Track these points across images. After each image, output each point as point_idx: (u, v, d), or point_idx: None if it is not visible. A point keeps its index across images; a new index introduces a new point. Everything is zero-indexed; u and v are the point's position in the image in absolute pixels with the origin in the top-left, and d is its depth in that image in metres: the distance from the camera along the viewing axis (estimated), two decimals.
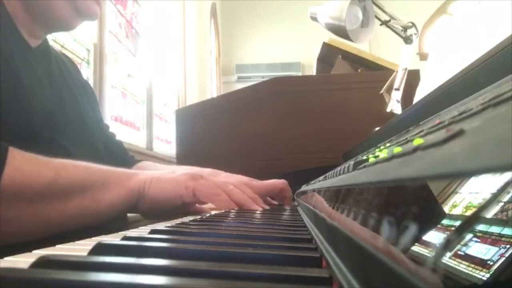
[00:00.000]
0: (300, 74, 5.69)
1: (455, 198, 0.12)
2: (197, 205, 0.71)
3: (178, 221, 0.49)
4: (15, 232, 0.47)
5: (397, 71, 1.07)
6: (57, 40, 1.88)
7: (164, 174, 0.63)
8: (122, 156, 0.87)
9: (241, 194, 0.65)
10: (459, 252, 0.10)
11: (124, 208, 0.58)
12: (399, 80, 1.04)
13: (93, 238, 0.31)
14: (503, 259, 0.09)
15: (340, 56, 1.67)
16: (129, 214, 0.75)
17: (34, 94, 0.61)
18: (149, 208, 0.59)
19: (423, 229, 0.12)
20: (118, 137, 0.91)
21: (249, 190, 0.69)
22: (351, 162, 0.33)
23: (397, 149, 0.21)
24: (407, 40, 1.06)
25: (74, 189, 0.51)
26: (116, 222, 0.63)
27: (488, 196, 0.10)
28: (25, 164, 0.47)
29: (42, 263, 0.20)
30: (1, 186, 0.43)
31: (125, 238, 0.30)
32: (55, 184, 0.49)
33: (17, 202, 0.46)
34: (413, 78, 1.15)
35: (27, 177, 0.47)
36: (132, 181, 0.58)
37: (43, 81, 0.65)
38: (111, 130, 0.89)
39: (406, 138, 0.29)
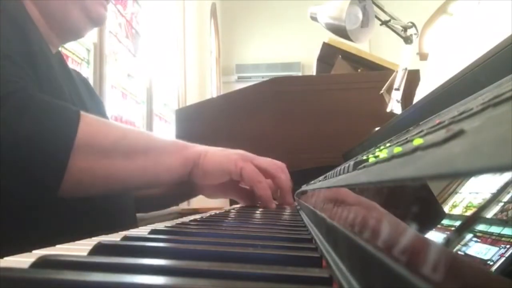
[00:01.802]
0: (300, 74, 5.68)
1: (455, 198, 0.12)
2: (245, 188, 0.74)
3: (178, 221, 0.49)
4: (86, 183, 0.51)
5: (397, 71, 1.07)
6: None
7: (218, 150, 0.67)
8: None
9: (288, 187, 0.71)
10: (459, 252, 0.10)
11: (180, 174, 0.61)
12: (399, 80, 1.04)
13: (93, 238, 0.31)
14: (503, 259, 0.09)
15: (340, 56, 1.67)
16: (137, 214, 0.76)
17: (64, 100, 0.63)
18: (200, 178, 0.63)
19: (423, 229, 0.12)
20: None
21: (289, 182, 0.73)
22: (351, 162, 0.33)
23: (397, 149, 0.21)
24: (407, 40, 1.06)
25: (138, 149, 0.56)
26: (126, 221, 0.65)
27: (488, 196, 0.10)
28: (96, 122, 0.53)
29: (42, 263, 0.20)
30: (76, 137, 0.48)
31: (125, 238, 0.30)
32: (122, 142, 0.54)
33: (89, 154, 0.50)
34: (413, 78, 1.15)
35: (98, 132, 0.52)
36: (189, 151, 0.63)
37: (64, 87, 0.67)
38: None
39: (406, 138, 0.29)
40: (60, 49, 0.77)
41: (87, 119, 0.51)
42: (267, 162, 0.70)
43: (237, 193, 0.74)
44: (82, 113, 0.51)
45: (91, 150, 0.51)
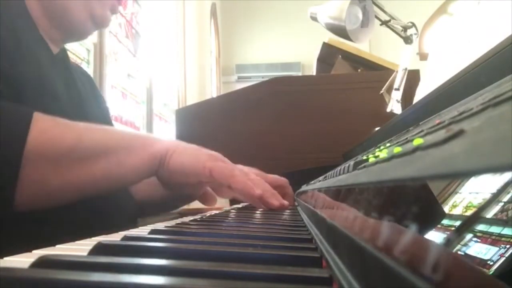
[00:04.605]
0: (300, 74, 5.68)
1: (455, 198, 0.12)
2: (208, 189, 0.69)
3: (178, 221, 0.49)
4: (42, 196, 0.48)
5: (397, 71, 1.07)
6: None
7: (188, 148, 0.61)
8: None
9: (264, 184, 0.63)
10: (459, 252, 0.10)
11: (147, 173, 0.57)
12: (399, 80, 1.04)
13: (93, 238, 0.31)
14: (503, 259, 0.09)
15: (340, 56, 1.67)
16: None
17: (56, 100, 0.62)
18: (166, 177, 0.58)
19: (423, 229, 0.12)
20: None
21: (267, 184, 0.66)
22: (351, 162, 0.33)
23: (397, 149, 0.21)
24: (407, 40, 1.06)
25: (98, 151, 0.51)
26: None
27: (488, 196, 0.10)
28: (49, 127, 0.48)
29: (42, 263, 0.20)
30: (26, 149, 0.44)
31: (125, 238, 0.30)
32: (79, 146, 0.50)
33: (42, 164, 0.46)
34: (413, 78, 1.15)
35: (51, 139, 0.47)
36: (155, 147, 0.57)
37: (62, 88, 0.66)
38: None
39: (406, 138, 0.29)
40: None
41: (40, 125, 0.47)
42: (240, 167, 0.64)
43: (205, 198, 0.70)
44: (37, 116, 0.47)
45: (43, 160, 0.46)
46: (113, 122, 2.65)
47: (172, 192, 0.67)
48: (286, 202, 0.65)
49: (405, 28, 1.06)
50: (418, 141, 0.19)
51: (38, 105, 0.56)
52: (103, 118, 0.82)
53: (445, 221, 0.12)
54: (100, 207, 0.58)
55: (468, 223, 0.11)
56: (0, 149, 0.43)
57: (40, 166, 0.46)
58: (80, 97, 0.72)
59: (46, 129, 0.47)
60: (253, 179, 0.62)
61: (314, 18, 1.10)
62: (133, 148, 0.55)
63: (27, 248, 0.25)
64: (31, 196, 0.46)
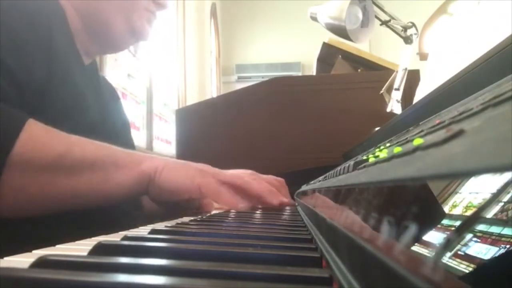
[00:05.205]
0: (300, 74, 5.69)
1: (455, 198, 0.12)
2: (204, 201, 0.71)
3: (178, 221, 0.49)
4: (21, 203, 0.48)
5: (397, 71, 1.07)
6: None
7: (177, 165, 0.61)
8: None
9: (261, 185, 0.63)
10: (459, 252, 0.10)
11: (134, 191, 0.57)
12: (399, 80, 1.04)
13: (93, 238, 0.31)
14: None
15: (340, 56, 1.67)
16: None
17: (85, 112, 0.63)
18: (157, 195, 0.58)
19: (423, 229, 0.12)
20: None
21: (265, 183, 0.66)
22: (351, 162, 0.33)
23: (397, 149, 0.21)
24: (407, 40, 1.06)
25: (84, 165, 0.51)
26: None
27: (488, 196, 0.10)
28: (39, 135, 0.48)
29: (42, 263, 0.20)
30: (12, 153, 0.44)
31: (125, 238, 0.30)
32: (65, 157, 0.50)
33: (26, 171, 0.47)
34: (413, 78, 1.15)
35: (39, 147, 0.48)
36: (143, 165, 0.57)
37: (91, 100, 0.67)
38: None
39: (406, 138, 0.29)
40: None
41: (32, 131, 0.47)
42: (231, 174, 0.63)
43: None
44: (30, 122, 0.47)
45: (27, 167, 0.47)
46: None
47: (165, 208, 0.67)
48: (285, 199, 0.66)
49: (405, 28, 1.06)
50: (418, 141, 0.19)
51: (68, 116, 0.57)
52: (124, 130, 0.83)
53: (445, 221, 0.12)
54: (104, 211, 0.58)
55: (468, 223, 0.11)
56: None
57: (23, 173, 0.46)
58: (105, 109, 0.73)
59: (37, 136, 0.48)
60: (242, 183, 0.62)
61: (314, 18, 1.10)
62: (121, 165, 0.55)
63: (27, 248, 0.25)
64: (9, 202, 0.46)
